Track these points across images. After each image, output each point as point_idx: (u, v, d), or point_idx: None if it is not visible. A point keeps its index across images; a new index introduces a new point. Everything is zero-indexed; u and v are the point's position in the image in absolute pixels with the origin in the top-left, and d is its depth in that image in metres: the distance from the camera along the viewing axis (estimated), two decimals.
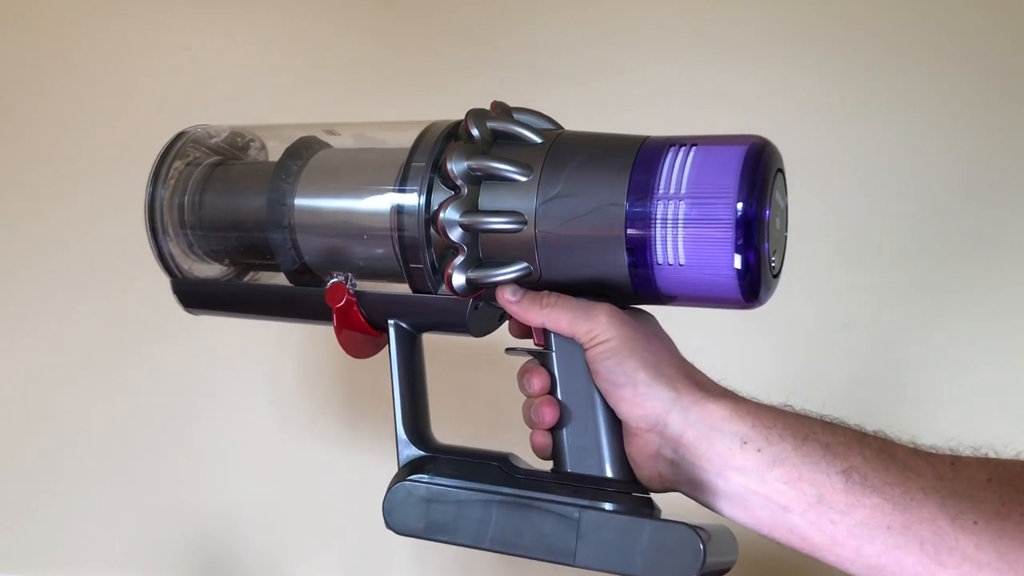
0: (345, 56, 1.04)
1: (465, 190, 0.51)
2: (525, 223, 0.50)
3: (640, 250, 0.48)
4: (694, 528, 0.46)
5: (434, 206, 0.52)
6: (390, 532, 0.52)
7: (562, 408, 0.52)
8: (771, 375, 0.88)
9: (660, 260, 0.47)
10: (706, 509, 0.50)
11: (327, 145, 0.60)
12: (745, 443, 0.47)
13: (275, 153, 0.63)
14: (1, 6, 1.11)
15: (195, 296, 0.62)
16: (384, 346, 0.58)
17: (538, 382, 0.52)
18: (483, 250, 0.52)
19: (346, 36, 1.04)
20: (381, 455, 0.99)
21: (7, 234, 1.12)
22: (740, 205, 0.46)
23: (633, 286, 0.49)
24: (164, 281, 0.62)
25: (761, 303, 0.48)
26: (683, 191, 0.47)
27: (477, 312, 0.54)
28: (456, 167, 0.51)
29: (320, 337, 1.04)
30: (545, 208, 0.50)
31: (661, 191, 0.47)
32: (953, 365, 0.89)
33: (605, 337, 0.49)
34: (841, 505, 0.46)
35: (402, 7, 1.02)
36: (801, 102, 0.92)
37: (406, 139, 0.55)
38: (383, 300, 0.56)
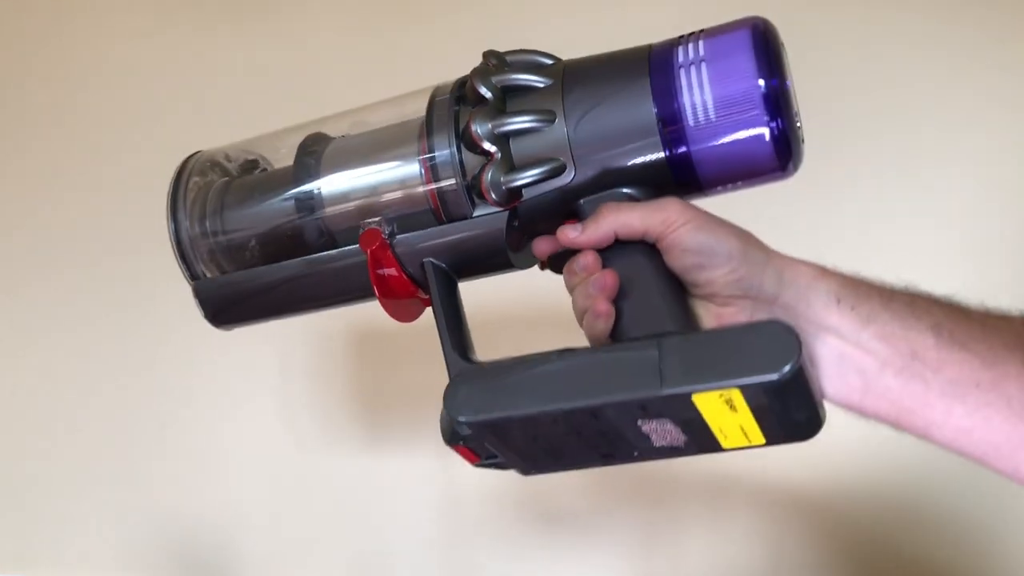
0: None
1: (499, 154, 0.52)
2: (562, 165, 0.51)
3: (671, 119, 0.49)
4: (781, 321, 0.44)
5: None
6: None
7: (623, 282, 0.49)
8: None
9: (691, 122, 0.49)
10: None
11: (332, 138, 0.61)
12: (839, 300, 0.47)
13: (279, 162, 0.63)
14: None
15: (221, 301, 0.60)
16: (426, 307, 0.58)
17: (592, 258, 0.49)
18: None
19: None
20: (384, 458, 1.01)
21: (8, 236, 1.11)
22: (762, 81, 0.48)
23: (670, 167, 0.50)
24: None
25: (796, 168, 0.51)
26: (701, 54, 0.49)
27: (515, 233, 0.54)
28: (481, 130, 0.51)
29: (325, 340, 1.05)
30: (577, 130, 0.51)
31: (680, 60, 0.50)
32: None
33: (685, 219, 0.48)
34: (933, 362, 0.46)
35: None
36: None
37: (410, 112, 0.56)
38: (417, 237, 0.55)
